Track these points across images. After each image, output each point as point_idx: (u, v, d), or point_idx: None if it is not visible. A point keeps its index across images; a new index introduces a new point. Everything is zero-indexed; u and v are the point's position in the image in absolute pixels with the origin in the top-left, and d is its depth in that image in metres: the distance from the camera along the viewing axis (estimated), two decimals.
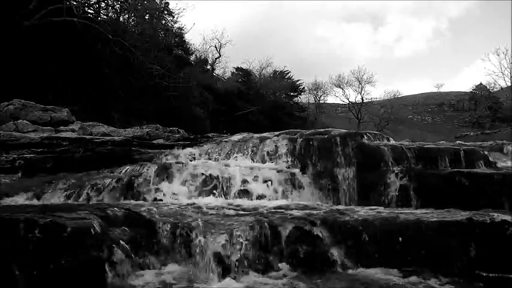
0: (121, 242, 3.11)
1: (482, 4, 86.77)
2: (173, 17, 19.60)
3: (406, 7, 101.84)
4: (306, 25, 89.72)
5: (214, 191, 5.06)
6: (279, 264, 3.29)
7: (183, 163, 5.57)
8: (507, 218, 3.15)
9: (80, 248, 2.82)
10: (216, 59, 30.99)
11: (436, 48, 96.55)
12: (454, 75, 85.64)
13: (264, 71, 35.49)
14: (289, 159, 5.68)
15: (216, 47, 30.90)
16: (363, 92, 39.72)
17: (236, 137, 6.83)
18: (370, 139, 5.78)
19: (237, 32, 62.43)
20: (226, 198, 4.94)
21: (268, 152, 5.88)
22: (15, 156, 5.81)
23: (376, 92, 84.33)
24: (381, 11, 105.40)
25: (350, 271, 3.25)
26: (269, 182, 5.16)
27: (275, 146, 5.91)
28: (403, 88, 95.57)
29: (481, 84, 41.15)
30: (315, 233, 3.44)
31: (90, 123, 8.02)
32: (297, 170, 5.51)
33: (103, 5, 16.53)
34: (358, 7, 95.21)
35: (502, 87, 36.71)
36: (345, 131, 6.15)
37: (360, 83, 39.57)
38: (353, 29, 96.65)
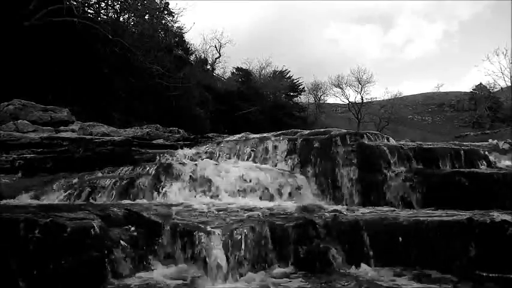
0: (121, 242, 3.11)
1: (494, 5, 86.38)
2: (173, 16, 19.60)
3: (416, 9, 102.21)
4: (318, 26, 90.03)
5: (214, 191, 5.05)
6: (279, 264, 3.29)
7: (183, 163, 5.57)
8: (507, 218, 3.15)
9: (80, 248, 2.83)
10: (216, 59, 31.01)
11: (446, 50, 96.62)
12: (463, 75, 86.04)
13: (263, 71, 35.54)
14: (289, 160, 5.68)
15: (216, 47, 30.93)
16: (362, 92, 39.73)
17: (236, 137, 6.83)
18: (370, 139, 5.77)
19: (247, 33, 62.44)
20: (226, 199, 4.94)
21: (268, 152, 5.88)
22: (15, 156, 5.81)
23: (376, 92, 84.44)
24: (391, 12, 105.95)
25: (350, 271, 3.25)
26: (269, 182, 5.16)
27: (275, 146, 5.91)
28: (412, 89, 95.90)
29: (481, 84, 41.13)
30: (314, 233, 3.44)
31: (90, 123, 8.01)
32: (297, 170, 5.52)
33: (103, 5, 16.54)
34: (369, 9, 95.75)
35: (502, 88, 36.74)
36: (345, 131, 6.15)
37: (359, 83, 39.58)
38: (363, 30, 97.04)
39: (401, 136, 21.39)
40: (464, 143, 6.44)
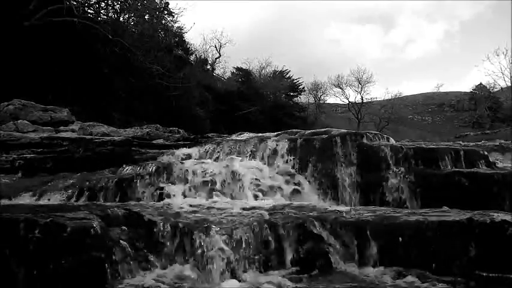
0: (121, 242, 3.11)
1: (495, 5, 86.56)
2: (173, 16, 19.59)
3: (416, 9, 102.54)
4: (318, 26, 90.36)
5: (214, 191, 5.05)
6: (280, 265, 3.29)
7: (183, 163, 5.57)
8: (507, 218, 3.15)
9: (80, 248, 2.83)
10: (216, 59, 31.01)
11: (447, 50, 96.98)
12: (463, 75, 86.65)
13: (263, 71, 35.55)
14: (289, 159, 5.68)
15: (216, 47, 30.94)
16: (362, 92, 39.77)
17: (236, 137, 6.83)
18: (370, 139, 5.77)
19: (247, 33, 62.56)
20: (226, 198, 4.94)
21: (268, 152, 5.87)
22: (15, 156, 5.81)
23: (376, 92, 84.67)
24: (391, 12, 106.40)
25: (350, 271, 3.25)
26: (269, 182, 5.16)
27: (275, 146, 5.91)
28: (412, 89, 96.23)
29: (481, 84, 41.15)
30: (315, 233, 3.44)
31: (90, 123, 8.00)
32: (297, 170, 5.51)
33: (103, 5, 16.54)
34: (369, 9, 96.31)
35: (502, 88, 36.75)
36: (345, 130, 6.14)
37: (359, 83, 39.62)
38: (364, 30, 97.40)
39: (401, 136, 21.41)
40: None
